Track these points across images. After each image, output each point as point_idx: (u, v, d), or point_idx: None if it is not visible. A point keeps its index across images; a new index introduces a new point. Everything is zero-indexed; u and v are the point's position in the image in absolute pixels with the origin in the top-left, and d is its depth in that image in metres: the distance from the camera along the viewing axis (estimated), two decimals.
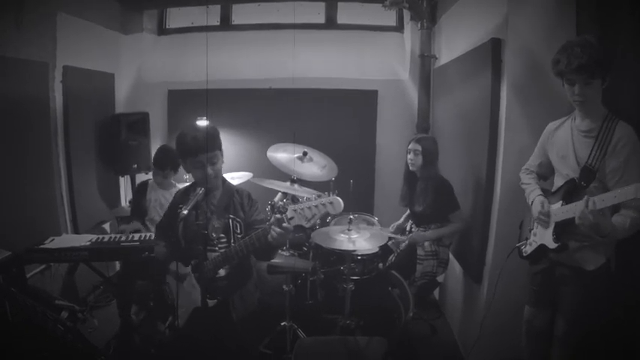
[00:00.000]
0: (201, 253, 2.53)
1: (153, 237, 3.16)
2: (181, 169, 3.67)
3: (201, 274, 2.51)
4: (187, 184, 3.31)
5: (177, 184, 3.87)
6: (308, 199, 2.30)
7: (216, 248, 2.59)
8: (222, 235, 2.60)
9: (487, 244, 3.38)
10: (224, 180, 2.75)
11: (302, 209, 2.29)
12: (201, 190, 2.51)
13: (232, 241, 2.60)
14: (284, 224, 2.30)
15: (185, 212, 2.38)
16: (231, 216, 2.62)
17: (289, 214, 2.32)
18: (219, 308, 2.56)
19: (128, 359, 3.43)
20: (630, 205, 2.15)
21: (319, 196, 2.28)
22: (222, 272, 2.58)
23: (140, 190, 3.94)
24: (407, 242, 3.66)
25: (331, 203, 2.26)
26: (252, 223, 2.64)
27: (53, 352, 2.56)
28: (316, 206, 2.28)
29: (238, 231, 2.62)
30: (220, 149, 2.64)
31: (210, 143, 2.52)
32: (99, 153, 4.81)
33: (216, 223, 2.58)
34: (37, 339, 2.58)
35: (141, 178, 4.78)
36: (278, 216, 2.33)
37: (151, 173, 4.01)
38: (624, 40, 2.57)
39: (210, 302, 2.52)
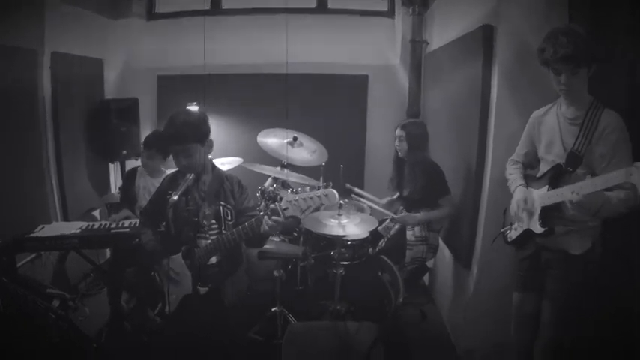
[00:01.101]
0: (191, 239, 2.55)
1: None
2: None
3: (192, 261, 2.52)
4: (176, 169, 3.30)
5: (167, 172, 3.83)
6: (303, 191, 2.30)
7: (207, 235, 2.59)
8: (213, 221, 2.60)
9: (476, 230, 3.41)
10: (213, 166, 2.74)
11: (297, 200, 2.30)
12: (190, 176, 2.51)
13: (223, 228, 2.60)
14: (275, 217, 2.32)
15: (175, 198, 2.38)
16: (222, 203, 2.62)
17: (283, 204, 2.33)
18: (210, 295, 2.57)
19: (119, 347, 3.44)
20: (619, 186, 2.16)
21: (314, 188, 2.30)
22: (213, 259, 2.58)
23: (129, 177, 3.91)
24: (397, 224, 3.67)
25: (326, 196, 2.29)
26: (243, 210, 2.64)
27: (45, 341, 2.58)
28: (311, 198, 2.29)
29: (229, 218, 2.62)
30: (201, 141, 2.56)
31: (184, 135, 2.49)
32: (88, 139, 4.76)
33: (206, 210, 2.58)
34: (29, 328, 2.59)
35: (131, 164, 4.77)
36: (272, 206, 2.33)
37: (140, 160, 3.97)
38: (616, 27, 2.58)
39: (202, 290, 2.53)
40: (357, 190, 3.99)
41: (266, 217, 2.34)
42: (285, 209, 2.31)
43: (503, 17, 3.04)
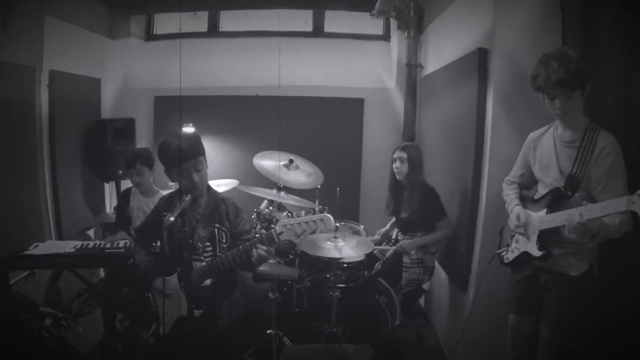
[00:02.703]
0: (186, 261, 2.53)
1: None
2: (158, 167, 3.67)
3: (187, 283, 2.50)
4: (172, 190, 3.28)
5: (160, 191, 3.82)
6: (298, 215, 2.32)
7: (202, 257, 2.58)
8: (208, 244, 2.59)
9: (473, 252, 3.40)
10: (209, 188, 2.73)
11: (292, 225, 2.32)
12: (187, 198, 2.50)
13: (218, 250, 2.59)
14: (265, 250, 2.35)
15: (172, 219, 2.38)
16: (217, 225, 2.61)
17: (279, 228, 2.34)
18: (205, 317, 2.54)
19: None
20: None
21: (310, 212, 2.31)
22: (207, 282, 2.56)
23: (123, 198, 3.89)
24: (396, 251, 3.67)
25: (322, 220, 2.30)
26: (239, 234, 2.64)
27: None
28: (306, 222, 2.31)
29: (224, 240, 2.61)
30: (204, 155, 2.62)
31: (192, 150, 2.52)
32: (84, 158, 4.76)
33: (201, 232, 2.57)
34: (22, 345, 2.55)
35: (126, 184, 4.74)
36: (264, 232, 2.35)
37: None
38: (608, 50, 2.62)
39: (196, 312, 2.51)
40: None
41: (259, 244, 2.35)
42: (281, 233, 2.33)
43: (498, 40, 3.08)
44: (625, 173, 2.26)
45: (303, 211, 2.35)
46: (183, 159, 2.50)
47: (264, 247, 2.37)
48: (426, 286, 4.05)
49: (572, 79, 2.23)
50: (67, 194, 4.45)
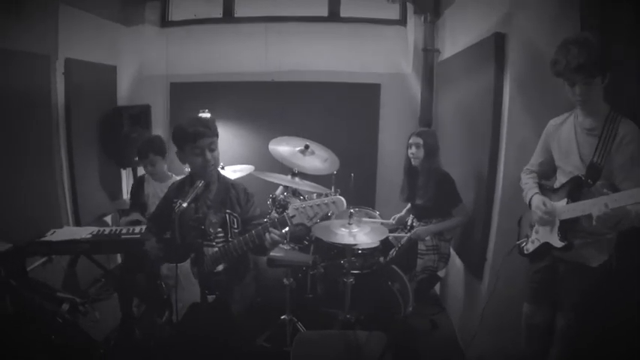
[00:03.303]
0: (198, 247, 2.53)
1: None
2: (172, 154, 3.67)
3: (200, 269, 2.51)
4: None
5: (173, 176, 3.83)
6: (310, 198, 2.30)
7: (214, 243, 2.58)
8: (220, 229, 2.59)
9: (488, 240, 3.38)
10: (219, 174, 2.73)
11: (304, 208, 2.29)
12: (200, 183, 2.50)
13: (229, 236, 2.59)
14: (278, 234, 2.34)
15: (185, 205, 2.38)
16: (228, 211, 2.61)
17: (291, 212, 2.32)
18: (218, 303, 2.56)
19: (128, 353, 3.43)
20: None
21: (322, 195, 2.28)
22: (219, 267, 2.56)
23: (137, 185, 3.92)
24: (410, 238, 3.64)
25: (334, 203, 2.27)
26: (250, 219, 2.63)
27: (52, 345, 2.58)
28: (318, 205, 2.28)
29: (235, 226, 2.61)
30: (217, 136, 2.62)
31: (208, 130, 2.53)
32: (101, 145, 4.80)
33: (213, 218, 2.56)
34: (36, 331, 2.60)
35: (142, 170, 4.79)
36: (276, 216, 2.33)
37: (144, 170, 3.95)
38: (627, 34, 2.55)
39: (209, 297, 2.52)
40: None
41: (272, 228, 2.34)
42: (293, 216, 2.31)
43: (515, 25, 3.02)
44: None
45: (315, 194, 2.32)
46: (199, 137, 2.50)
47: (277, 232, 2.36)
48: (441, 274, 4.04)
49: (592, 65, 2.18)
50: (84, 181, 4.49)
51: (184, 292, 2.52)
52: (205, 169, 2.56)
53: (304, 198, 2.45)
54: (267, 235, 2.36)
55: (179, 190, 2.71)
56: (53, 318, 2.64)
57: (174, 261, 2.50)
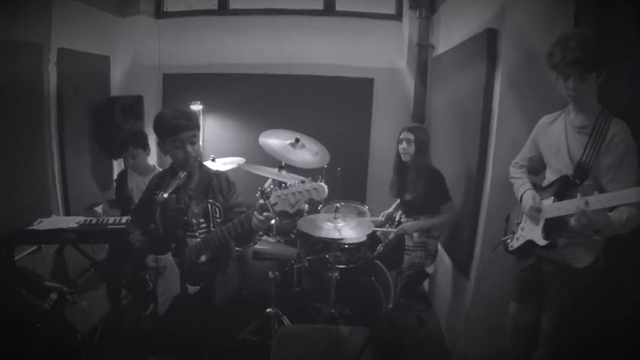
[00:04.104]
0: (180, 238, 2.53)
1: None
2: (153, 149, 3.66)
3: (182, 260, 2.50)
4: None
5: (157, 168, 3.82)
6: (292, 185, 2.28)
7: (196, 234, 2.57)
8: (202, 220, 2.58)
9: (475, 238, 3.37)
10: (201, 163, 2.72)
11: (286, 195, 2.28)
12: (182, 174, 2.49)
13: (212, 226, 2.58)
14: (266, 213, 2.31)
15: (166, 195, 2.37)
16: (210, 200, 2.60)
17: (272, 199, 2.31)
18: (201, 294, 2.55)
19: (114, 343, 3.43)
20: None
21: (303, 182, 2.27)
22: (202, 258, 2.56)
23: (120, 179, 3.90)
24: (397, 233, 3.64)
25: (315, 189, 2.26)
26: (232, 206, 2.63)
27: (32, 332, 2.58)
28: (300, 192, 2.27)
29: (217, 215, 2.60)
30: (199, 129, 2.61)
31: (189, 123, 2.51)
32: (92, 136, 4.78)
33: (195, 208, 2.56)
34: (17, 319, 2.59)
35: None
36: (261, 202, 2.31)
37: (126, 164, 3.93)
38: (622, 32, 2.54)
39: (192, 289, 2.52)
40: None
41: (256, 212, 2.32)
42: (275, 204, 2.29)
43: (508, 21, 3.00)
44: (636, 164, 2.19)
45: (297, 181, 2.29)
46: (181, 130, 2.48)
47: (261, 217, 2.34)
48: (430, 270, 4.02)
49: (589, 59, 2.16)
50: (76, 171, 4.48)
51: (168, 283, 2.52)
52: (186, 162, 2.55)
53: (285, 185, 2.39)
54: (253, 218, 2.34)
55: (160, 181, 2.70)
56: (36, 307, 2.63)
57: (157, 252, 2.49)
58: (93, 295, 4.03)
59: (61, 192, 4.35)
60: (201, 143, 2.78)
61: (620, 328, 2.56)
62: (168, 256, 2.53)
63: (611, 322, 2.59)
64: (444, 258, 4.03)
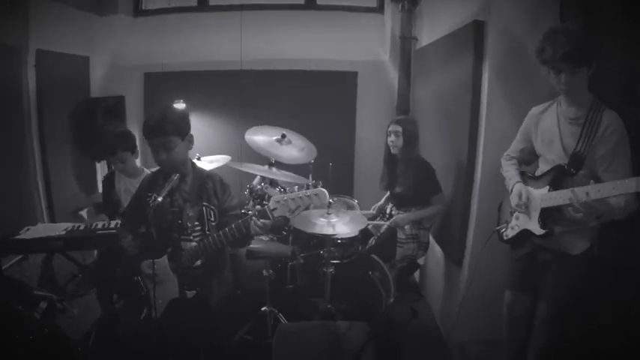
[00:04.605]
0: (175, 242, 2.49)
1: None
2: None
3: (178, 264, 2.47)
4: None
5: (145, 169, 3.76)
6: (292, 190, 2.26)
7: (191, 237, 2.53)
8: (197, 223, 2.53)
9: (467, 227, 3.40)
10: (194, 165, 2.67)
11: (285, 200, 2.26)
12: (175, 177, 2.44)
13: (207, 229, 2.53)
14: (262, 221, 2.29)
15: (160, 200, 2.33)
16: (205, 203, 2.55)
17: (272, 205, 2.29)
18: (198, 298, 2.52)
19: (108, 349, 3.39)
20: None
21: (304, 187, 2.25)
22: (198, 262, 2.53)
23: (108, 183, 3.81)
24: (389, 226, 3.64)
25: (316, 195, 2.25)
26: (226, 209, 2.59)
27: (28, 346, 2.52)
28: (300, 197, 2.25)
29: (212, 219, 2.55)
30: (181, 135, 2.48)
31: (164, 127, 2.41)
32: (74, 139, 4.68)
33: (189, 211, 2.51)
34: (13, 332, 2.54)
35: None
36: (259, 207, 2.30)
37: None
38: (607, 25, 2.57)
39: (190, 293, 2.49)
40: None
41: (254, 218, 2.30)
42: (274, 209, 2.27)
43: (494, 13, 3.02)
44: (629, 153, 2.23)
45: (297, 186, 2.28)
46: (151, 135, 2.42)
47: (260, 223, 2.31)
48: (420, 261, 4.05)
49: (579, 53, 2.19)
50: (59, 175, 4.40)
51: (163, 287, 2.49)
52: (162, 168, 2.51)
53: (285, 190, 2.39)
54: (251, 223, 2.32)
55: (152, 183, 2.64)
56: (30, 318, 2.58)
57: (152, 257, 2.45)
58: (83, 300, 3.97)
59: (45, 198, 4.27)
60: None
61: (615, 314, 2.62)
62: (164, 260, 2.49)
63: (608, 309, 2.65)
64: (434, 249, 4.05)
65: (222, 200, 2.60)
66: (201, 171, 2.68)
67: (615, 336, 2.58)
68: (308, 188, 2.26)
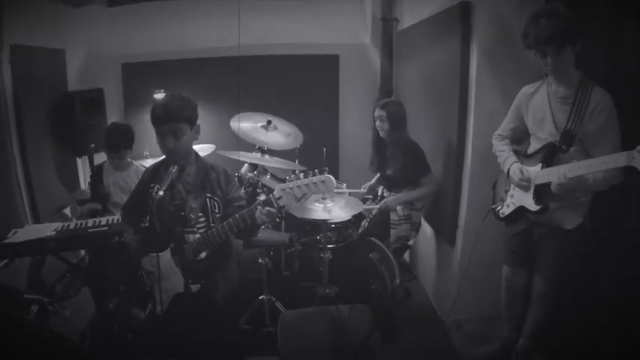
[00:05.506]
0: (179, 235, 2.46)
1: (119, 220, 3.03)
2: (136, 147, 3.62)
3: (182, 257, 2.44)
4: (148, 160, 3.09)
5: (134, 162, 3.71)
6: (297, 178, 2.21)
7: (195, 229, 2.48)
8: (201, 214, 2.48)
9: (459, 207, 3.44)
10: (197, 156, 2.61)
11: (291, 188, 2.20)
12: (174, 169, 2.40)
13: (211, 221, 2.49)
14: (267, 209, 2.24)
15: (161, 193, 2.29)
16: (209, 195, 2.49)
17: (277, 193, 2.23)
18: (202, 292, 2.49)
19: (105, 348, 3.35)
20: None
21: (309, 174, 2.20)
22: (202, 254, 2.48)
23: (97, 176, 3.75)
24: (381, 209, 3.66)
25: (323, 182, 2.17)
26: (230, 200, 2.54)
27: (29, 351, 2.48)
28: (307, 185, 2.18)
29: (217, 210, 2.50)
30: (189, 122, 2.45)
31: (174, 114, 2.37)
32: (54, 135, 4.54)
33: (193, 203, 2.45)
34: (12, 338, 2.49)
35: (100, 157, 4.59)
36: (264, 197, 2.26)
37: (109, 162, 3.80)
38: (592, 6, 2.60)
39: (194, 287, 2.46)
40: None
41: (259, 207, 2.26)
42: (279, 198, 2.22)
43: None
44: (618, 129, 2.28)
45: (302, 173, 2.22)
46: (158, 122, 2.38)
47: (265, 211, 2.26)
48: (411, 242, 4.08)
49: (562, 35, 2.22)
50: (39, 174, 4.25)
51: (167, 282, 2.46)
52: (169, 156, 2.47)
53: (290, 178, 2.32)
54: (257, 213, 2.27)
55: (154, 175, 2.58)
56: (28, 323, 2.52)
57: (155, 250, 2.42)
58: (74, 301, 3.90)
59: (28, 198, 4.14)
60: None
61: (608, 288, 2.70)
62: (167, 255, 2.46)
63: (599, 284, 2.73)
64: (425, 228, 4.08)
65: (227, 191, 2.55)
66: (204, 162, 2.61)
67: (614, 335, 2.65)
68: (314, 175, 2.20)
